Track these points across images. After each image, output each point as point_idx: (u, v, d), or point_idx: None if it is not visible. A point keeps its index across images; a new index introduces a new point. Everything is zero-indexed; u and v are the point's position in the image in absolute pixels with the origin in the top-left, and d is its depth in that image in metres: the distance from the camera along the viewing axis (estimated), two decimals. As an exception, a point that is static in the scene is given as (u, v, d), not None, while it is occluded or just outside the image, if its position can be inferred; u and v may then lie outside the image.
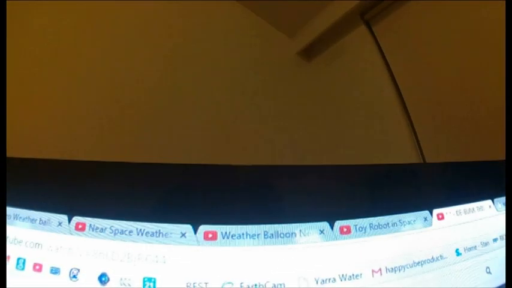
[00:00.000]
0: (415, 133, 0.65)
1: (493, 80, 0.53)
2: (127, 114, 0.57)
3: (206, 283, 0.28)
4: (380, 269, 0.33)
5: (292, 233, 0.31)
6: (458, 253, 0.39)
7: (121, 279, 0.29)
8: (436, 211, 0.40)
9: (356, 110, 0.70)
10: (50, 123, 0.51)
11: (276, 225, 0.31)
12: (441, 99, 0.61)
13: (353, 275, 0.32)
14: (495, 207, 0.43)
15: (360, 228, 0.34)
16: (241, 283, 0.29)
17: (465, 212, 0.42)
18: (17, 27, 0.53)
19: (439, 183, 0.42)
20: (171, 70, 0.64)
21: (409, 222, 0.37)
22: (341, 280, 0.31)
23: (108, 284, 0.29)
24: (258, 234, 0.31)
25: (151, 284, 0.28)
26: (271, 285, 0.29)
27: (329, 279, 0.31)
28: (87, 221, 0.30)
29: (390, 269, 0.34)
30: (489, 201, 0.43)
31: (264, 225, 0.31)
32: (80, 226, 0.30)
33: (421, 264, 0.35)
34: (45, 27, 0.57)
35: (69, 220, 0.30)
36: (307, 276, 0.30)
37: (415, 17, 0.62)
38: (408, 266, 0.35)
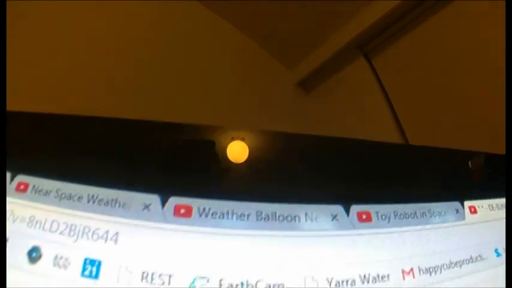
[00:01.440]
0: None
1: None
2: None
3: (170, 275, 0.19)
4: (412, 270, 0.25)
5: (295, 216, 0.23)
6: (498, 253, 0.31)
7: (56, 257, 0.20)
8: (467, 203, 0.32)
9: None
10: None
11: (273, 205, 0.23)
12: (443, 132, 0.59)
13: (378, 276, 0.23)
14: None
15: (383, 216, 0.26)
16: (221, 280, 0.20)
17: (497, 207, 0.35)
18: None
19: (469, 172, 0.35)
20: (167, 99, 0.60)
21: (440, 214, 0.30)
22: (362, 283, 0.22)
23: (39, 262, 0.20)
24: (249, 215, 0.22)
25: (94, 269, 0.20)
26: (264, 285, 0.20)
27: (346, 281, 0.22)
28: (31, 180, 0.23)
29: (424, 270, 0.25)
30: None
31: (257, 204, 0.23)
32: (21, 187, 0.23)
33: (460, 265, 0.27)
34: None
35: (12, 178, 0.23)
36: (317, 274, 0.22)
37: (414, 49, 0.62)
38: (445, 266, 0.26)
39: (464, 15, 0.53)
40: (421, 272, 0.25)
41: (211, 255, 0.21)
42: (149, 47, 0.61)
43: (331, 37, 0.64)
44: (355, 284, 0.22)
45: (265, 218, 0.22)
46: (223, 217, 0.22)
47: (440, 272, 0.26)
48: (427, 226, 0.28)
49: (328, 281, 0.22)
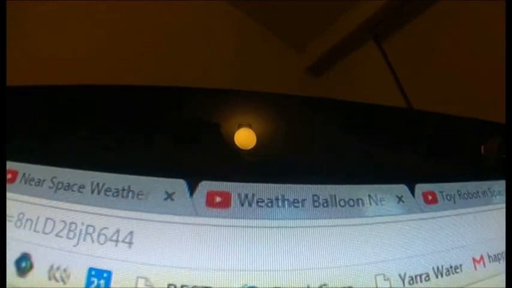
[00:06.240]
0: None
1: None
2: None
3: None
4: (482, 258, 0.21)
5: (357, 200, 0.19)
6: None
7: (51, 267, 0.15)
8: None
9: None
10: None
11: (332, 186, 0.18)
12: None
13: (451, 267, 0.19)
14: None
15: (448, 197, 0.22)
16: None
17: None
18: None
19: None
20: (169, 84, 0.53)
21: (500, 193, 0.26)
22: (436, 276, 0.19)
23: (29, 275, 0.15)
24: (303, 200, 0.17)
25: (103, 283, 0.15)
26: (329, 291, 0.16)
27: (420, 276, 0.18)
28: (21, 168, 0.18)
29: (493, 257, 0.22)
30: None
31: (314, 186, 0.18)
32: (9, 176, 0.18)
33: (526, 251, 0.24)
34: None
35: None
36: (388, 271, 0.18)
37: (425, 32, 0.58)
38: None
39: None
40: (491, 259, 0.22)
41: (260, 257, 0.16)
42: (152, 30, 0.55)
43: (340, 21, 0.61)
44: (429, 279, 0.18)
45: (323, 204, 0.18)
46: (271, 205, 0.17)
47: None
48: (490, 206, 0.24)
49: (401, 277, 0.18)
